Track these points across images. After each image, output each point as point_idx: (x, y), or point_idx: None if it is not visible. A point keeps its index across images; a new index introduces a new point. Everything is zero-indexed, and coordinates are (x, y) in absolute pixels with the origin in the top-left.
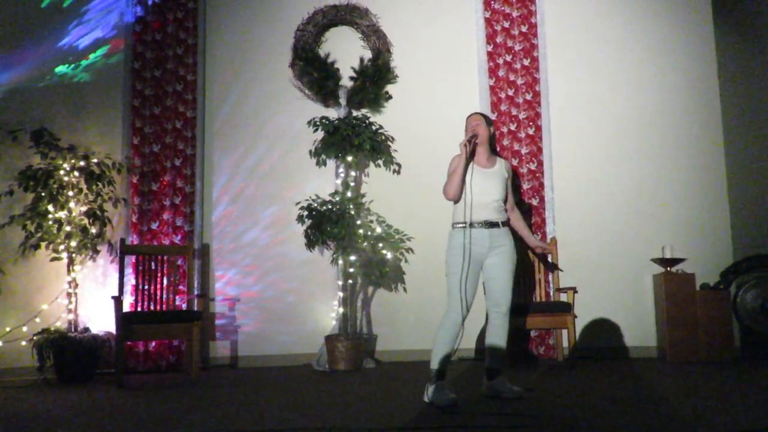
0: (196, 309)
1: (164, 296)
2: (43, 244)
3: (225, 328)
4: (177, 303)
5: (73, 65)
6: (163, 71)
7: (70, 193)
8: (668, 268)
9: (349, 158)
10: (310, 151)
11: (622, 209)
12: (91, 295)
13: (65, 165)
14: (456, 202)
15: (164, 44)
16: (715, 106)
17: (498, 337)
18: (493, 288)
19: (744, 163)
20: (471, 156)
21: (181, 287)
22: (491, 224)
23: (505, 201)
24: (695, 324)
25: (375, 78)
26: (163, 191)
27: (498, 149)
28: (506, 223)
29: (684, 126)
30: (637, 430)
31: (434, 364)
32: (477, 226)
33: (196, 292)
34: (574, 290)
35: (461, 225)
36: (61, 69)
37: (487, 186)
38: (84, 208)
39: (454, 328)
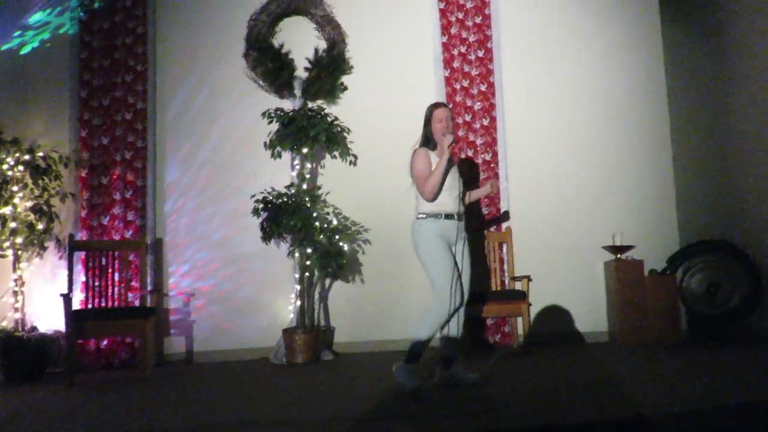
0: (149, 305)
1: (116, 292)
2: None
3: (180, 323)
4: (130, 299)
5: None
6: (111, 61)
7: (15, 188)
8: (618, 256)
9: (305, 150)
10: (265, 143)
11: (574, 199)
12: (39, 293)
13: (9, 159)
14: (434, 200)
15: (112, 33)
16: (661, 99)
17: (459, 326)
18: (462, 280)
19: (689, 154)
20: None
21: (133, 283)
22: (460, 216)
23: None
24: (644, 309)
25: (330, 68)
26: (114, 185)
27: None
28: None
29: (633, 117)
30: (590, 412)
31: (416, 346)
32: (451, 218)
33: (149, 288)
34: (528, 278)
35: (435, 215)
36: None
37: (454, 180)
38: (30, 204)
39: (443, 317)
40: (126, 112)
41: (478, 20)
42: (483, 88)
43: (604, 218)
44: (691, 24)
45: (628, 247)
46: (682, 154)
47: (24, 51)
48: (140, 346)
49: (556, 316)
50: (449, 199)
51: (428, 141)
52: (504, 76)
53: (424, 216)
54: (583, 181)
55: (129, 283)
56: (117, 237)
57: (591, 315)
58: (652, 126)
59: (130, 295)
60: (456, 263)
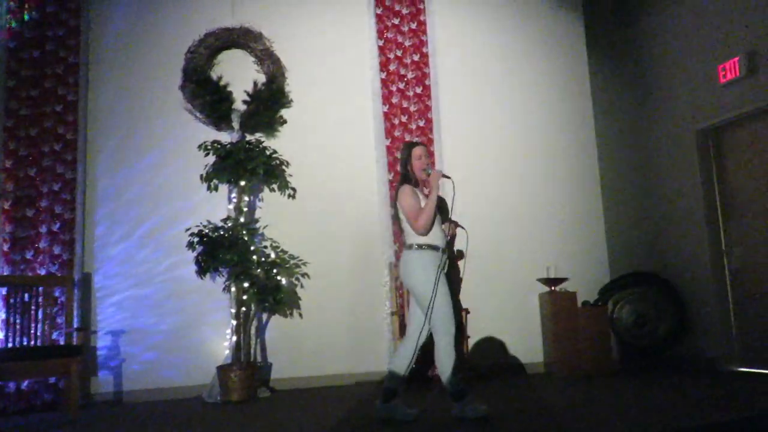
0: (75, 343)
1: (40, 331)
2: None
3: (108, 361)
4: (54, 337)
5: None
6: (40, 91)
7: None
8: (552, 288)
9: (242, 183)
10: (201, 176)
11: (509, 232)
12: None
13: None
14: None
15: (42, 62)
16: (590, 139)
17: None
18: None
19: (616, 191)
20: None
21: (59, 320)
22: (444, 250)
23: None
24: (578, 339)
25: (269, 102)
26: (40, 218)
27: (393, 174)
28: None
29: (564, 156)
30: None
31: (457, 385)
32: (443, 251)
33: (75, 325)
34: (466, 311)
35: (434, 248)
36: None
37: (440, 216)
38: None
39: (452, 341)
40: (55, 143)
41: (416, 58)
42: (421, 123)
43: (538, 251)
44: (616, 68)
45: (562, 279)
46: (610, 191)
47: None
48: (65, 386)
49: (493, 348)
50: (439, 233)
51: (408, 179)
52: (441, 113)
53: (423, 247)
54: (518, 216)
55: (54, 320)
56: (42, 272)
57: (527, 346)
58: (583, 165)
59: (55, 333)
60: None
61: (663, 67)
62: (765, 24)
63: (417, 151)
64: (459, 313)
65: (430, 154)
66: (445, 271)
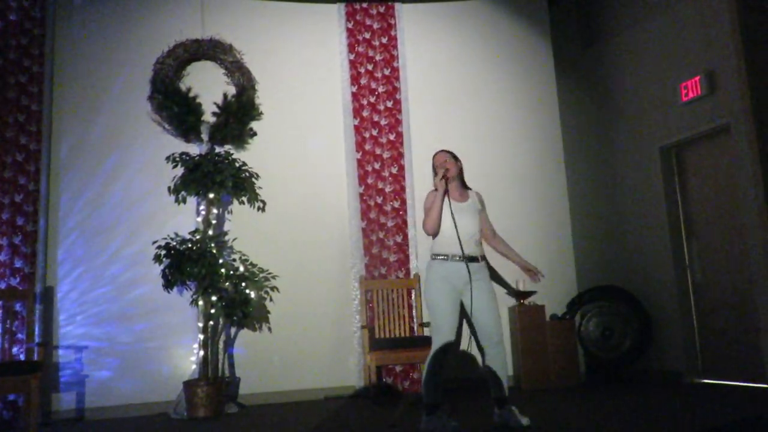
0: (35, 359)
1: None
2: None
3: (70, 378)
4: (14, 353)
5: None
6: (2, 100)
7: None
8: (521, 301)
9: (211, 195)
10: (169, 188)
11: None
12: None
13: None
14: (435, 236)
15: (4, 71)
16: (558, 156)
17: (498, 366)
18: (481, 322)
19: (584, 208)
20: (445, 192)
21: (19, 335)
22: (471, 258)
23: (482, 233)
24: (545, 353)
25: (239, 114)
26: (0, 230)
27: (364, 187)
28: (484, 257)
29: (532, 171)
30: None
31: (430, 397)
32: (457, 260)
33: (36, 340)
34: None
35: (442, 257)
36: None
37: (463, 220)
38: None
39: (433, 359)
40: (17, 153)
41: (387, 72)
42: (392, 137)
43: (507, 265)
44: (583, 86)
45: (531, 293)
46: (578, 206)
47: None
48: (25, 404)
49: (465, 361)
50: (453, 239)
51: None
52: (412, 127)
53: (434, 257)
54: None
55: (14, 335)
56: (2, 285)
57: None
58: (551, 181)
59: (14, 348)
60: (463, 306)
61: (628, 86)
62: (723, 44)
63: (437, 159)
64: (497, 326)
65: (401, 168)
66: (472, 280)
